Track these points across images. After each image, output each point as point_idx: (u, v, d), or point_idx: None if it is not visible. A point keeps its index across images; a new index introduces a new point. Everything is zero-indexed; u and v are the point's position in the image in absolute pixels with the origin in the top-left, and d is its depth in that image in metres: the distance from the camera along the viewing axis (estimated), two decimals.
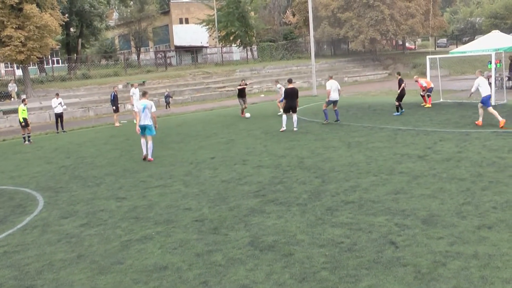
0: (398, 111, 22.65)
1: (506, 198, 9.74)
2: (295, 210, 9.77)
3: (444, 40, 78.27)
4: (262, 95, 38.62)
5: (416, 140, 16.29)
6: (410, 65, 52.42)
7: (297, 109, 20.46)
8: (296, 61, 53.33)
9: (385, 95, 32.90)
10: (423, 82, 25.66)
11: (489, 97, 18.59)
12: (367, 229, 8.47)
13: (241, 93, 25.75)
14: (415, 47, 75.33)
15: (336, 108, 21.67)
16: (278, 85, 25.48)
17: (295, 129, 19.75)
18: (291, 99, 19.79)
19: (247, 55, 55.78)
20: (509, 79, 32.51)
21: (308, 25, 41.77)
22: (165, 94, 35.03)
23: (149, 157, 16.02)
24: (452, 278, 6.55)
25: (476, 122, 18.71)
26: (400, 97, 22.73)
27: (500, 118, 17.98)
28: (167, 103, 34.31)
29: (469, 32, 79.42)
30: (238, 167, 14.06)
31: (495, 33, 33.88)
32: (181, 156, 16.30)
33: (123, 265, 7.69)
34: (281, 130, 19.90)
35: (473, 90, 18.79)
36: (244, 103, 25.97)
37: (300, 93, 20.78)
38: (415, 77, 27.32)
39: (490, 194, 10.06)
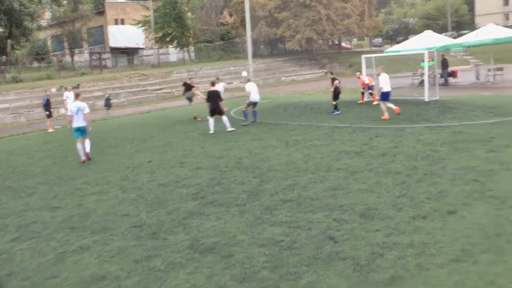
0: (336, 110, 22.74)
1: (440, 189, 10.06)
2: (234, 210, 9.72)
3: (379, 39, 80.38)
4: (199, 96, 38.30)
5: (353, 137, 16.56)
6: (346, 64, 53.42)
7: (227, 109, 20.20)
8: (233, 61, 53.34)
9: (322, 94, 33.35)
10: (365, 79, 26.10)
11: (388, 93, 20.13)
12: (306, 226, 8.52)
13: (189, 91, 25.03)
14: (351, 47, 76.89)
15: (255, 109, 21.72)
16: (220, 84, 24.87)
17: (228, 129, 19.66)
18: (213, 102, 19.64)
19: (184, 56, 55.38)
20: (441, 76, 33.61)
21: (245, 25, 41.87)
22: (106, 97, 34.18)
23: (87, 150, 16.08)
24: (389, 267, 6.72)
25: (382, 117, 19.98)
26: (335, 95, 22.85)
27: (394, 107, 19.91)
28: (108, 106, 33.48)
29: (403, 32, 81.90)
30: (175, 170, 13.89)
31: (428, 33, 35.14)
32: (117, 161, 15.96)
33: (58, 279, 7.38)
34: (210, 132, 19.65)
35: (380, 85, 20.22)
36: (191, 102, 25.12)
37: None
38: (357, 73, 27.82)
39: (425, 186, 10.36)
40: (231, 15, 65.76)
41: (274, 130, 19.21)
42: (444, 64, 34.39)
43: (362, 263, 6.91)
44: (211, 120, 19.79)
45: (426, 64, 26.47)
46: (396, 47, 37.99)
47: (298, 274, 6.77)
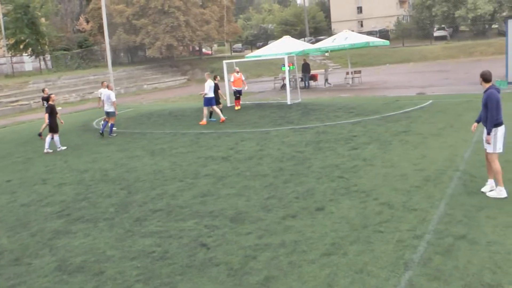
0: (211, 117, 22.15)
1: (307, 188, 10.43)
2: (103, 225, 9.34)
3: (240, 45, 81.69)
4: (60, 108, 36.68)
5: (219, 143, 16.67)
6: (208, 70, 53.67)
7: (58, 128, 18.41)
8: (93, 70, 51.53)
9: (185, 101, 33.30)
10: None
11: (209, 99, 21.07)
12: (178, 234, 8.41)
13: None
14: (211, 53, 77.49)
15: (111, 122, 20.30)
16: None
17: (58, 148, 18.02)
18: (50, 116, 17.91)
19: (40, 65, 52.60)
20: (302, 80, 34.92)
21: (103, 32, 40.70)
22: None
23: None
24: (263, 269, 6.83)
25: (200, 123, 21.17)
26: (216, 101, 21.90)
27: (221, 116, 21.26)
28: None
29: (263, 38, 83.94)
30: (38, 187, 13.04)
31: (287, 39, 36.33)
32: None
33: None
34: (48, 151, 17.83)
35: (206, 91, 21.00)
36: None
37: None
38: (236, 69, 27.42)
39: (292, 186, 10.68)
40: (88, 22, 63.60)
41: (139, 140, 18.81)
42: (306, 68, 35.72)
43: (236, 267, 6.94)
44: (48, 139, 18.03)
45: (286, 68, 27.30)
46: (256, 52, 38.92)
47: (172, 284, 6.66)
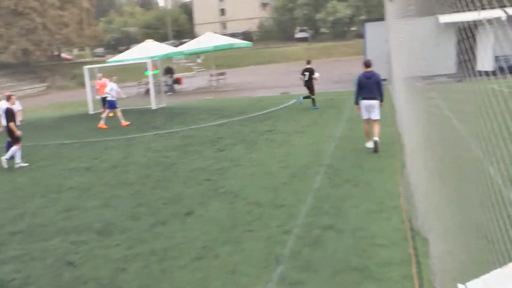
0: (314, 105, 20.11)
1: (174, 193, 10.34)
2: None
3: (101, 49, 79.50)
4: None
5: (82, 153, 16.03)
6: (69, 76, 51.74)
7: None
8: None
9: (44, 110, 31.75)
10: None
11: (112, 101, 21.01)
12: (41, 256, 7.87)
13: None
14: (72, 58, 74.78)
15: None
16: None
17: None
18: None
19: None
20: (166, 84, 34.62)
21: None
22: None
23: None
24: (134, 279, 6.63)
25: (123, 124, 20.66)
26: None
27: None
28: None
29: (125, 42, 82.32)
30: None
31: (149, 42, 35.89)
32: None
33: None
34: None
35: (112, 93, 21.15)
36: None
37: None
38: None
39: (160, 192, 10.52)
40: None
41: None
42: (169, 71, 35.48)
43: (105, 282, 6.65)
44: None
45: (150, 73, 26.94)
46: (119, 57, 37.99)
47: None
